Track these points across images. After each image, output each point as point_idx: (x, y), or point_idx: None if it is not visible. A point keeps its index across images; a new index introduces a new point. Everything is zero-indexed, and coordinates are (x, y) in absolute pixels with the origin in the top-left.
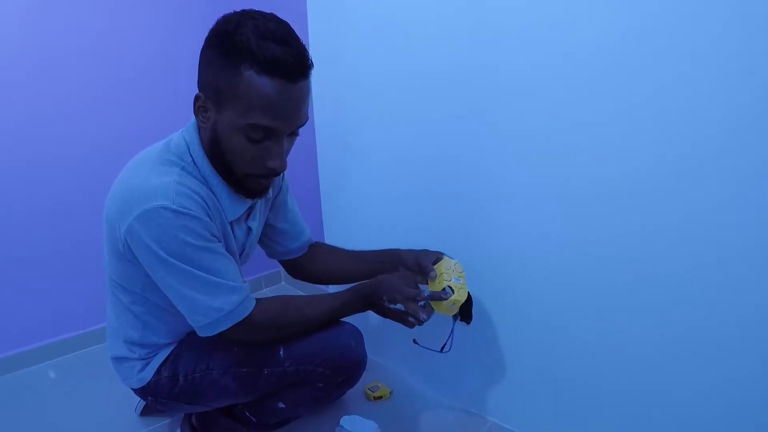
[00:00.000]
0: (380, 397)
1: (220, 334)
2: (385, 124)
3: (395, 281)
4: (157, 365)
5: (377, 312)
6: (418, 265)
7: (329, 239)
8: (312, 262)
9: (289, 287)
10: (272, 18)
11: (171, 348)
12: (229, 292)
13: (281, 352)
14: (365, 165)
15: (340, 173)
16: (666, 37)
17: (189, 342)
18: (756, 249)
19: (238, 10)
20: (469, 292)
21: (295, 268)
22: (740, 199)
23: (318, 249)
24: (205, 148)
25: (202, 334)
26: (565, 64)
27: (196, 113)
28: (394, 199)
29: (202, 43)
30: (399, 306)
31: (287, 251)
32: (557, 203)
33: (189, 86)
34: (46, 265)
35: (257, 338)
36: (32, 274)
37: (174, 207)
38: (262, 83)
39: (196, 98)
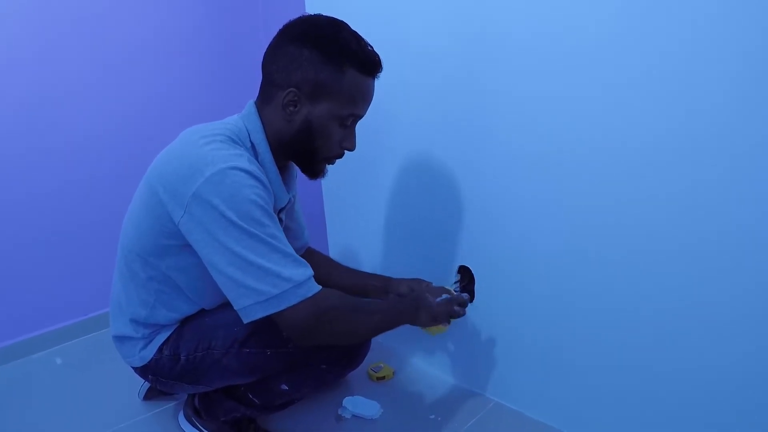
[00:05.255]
0: (383, 378)
1: (280, 314)
2: (386, 123)
3: (431, 287)
4: (159, 344)
5: (423, 317)
6: (411, 291)
7: (332, 239)
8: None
9: None
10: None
11: (173, 327)
12: (298, 263)
13: (285, 332)
14: (367, 161)
15: (342, 172)
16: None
17: (191, 321)
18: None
19: (304, 15)
20: (471, 271)
21: None
22: (740, 192)
23: (316, 256)
24: (275, 137)
25: (257, 313)
26: (567, 60)
27: (284, 106)
28: (395, 193)
29: (276, 42)
30: (445, 296)
31: None
32: (560, 182)
33: (184, 71)
34: (48, 251)
35: (319, 324)
36: (35, 261)
37: (248, 169)
38: (361, 80)
39: (288, 93)
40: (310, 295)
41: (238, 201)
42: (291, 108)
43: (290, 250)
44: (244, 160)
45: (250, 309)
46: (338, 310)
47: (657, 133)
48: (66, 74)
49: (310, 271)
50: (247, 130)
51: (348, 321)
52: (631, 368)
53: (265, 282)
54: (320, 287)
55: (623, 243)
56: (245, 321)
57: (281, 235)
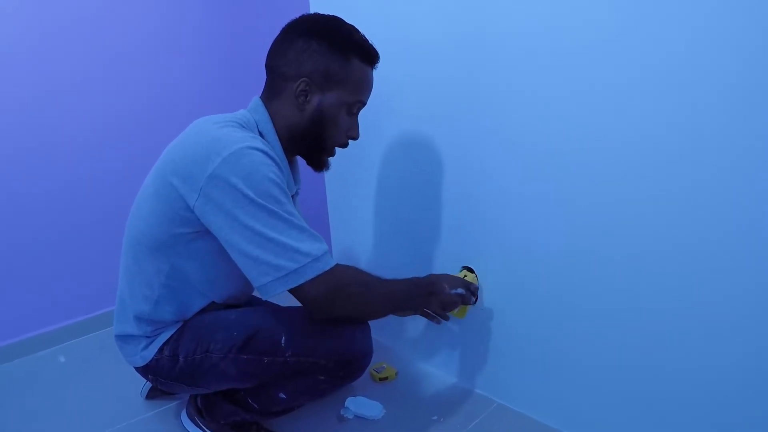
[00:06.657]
0: (386, 378)
1: (300, 288)
2: (389, 122)
3: (448, 275)
4: (160, 344)
5: (434, 304)
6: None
7: (335, 238)
8: None
9: None
10: None
11: (176, 327)
12: (314, 238)
13: (283, 341)
14: (370, 161)
15: (345, 171)
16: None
17: (192, 322)
18: (754, 242)
19: (304, 14)
20: (474, 271)
21: None
22: (740, 192)
23: None
24: (285, 129)
25: (277, 288)
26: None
27: (296, 96)
28: (398, 192)
29: (284, 36)
30: (460, 291)
31: None
32: (561, 181)
33: (184, 70)
34: (50, 249)
35: (337, 297)
36: (37, 259)
37: (264, 149)
38: (364, 69)
39: (300, 83)
40: (327, 268)
41: (256, 179)
42: (302, 98)
43: (306, 225)
44: (258, 142)
45: (270, 285)
46: (355, 284)
47: (658, 133)
48: (66, 73)
49: (325, 246)
50: (255, 121)
51: (363, 296)
52: (633, 369)
53: (285, 257)
54: (335, 262)
55: (624, 243)
56: (265, 297)
57: (297, 211)
